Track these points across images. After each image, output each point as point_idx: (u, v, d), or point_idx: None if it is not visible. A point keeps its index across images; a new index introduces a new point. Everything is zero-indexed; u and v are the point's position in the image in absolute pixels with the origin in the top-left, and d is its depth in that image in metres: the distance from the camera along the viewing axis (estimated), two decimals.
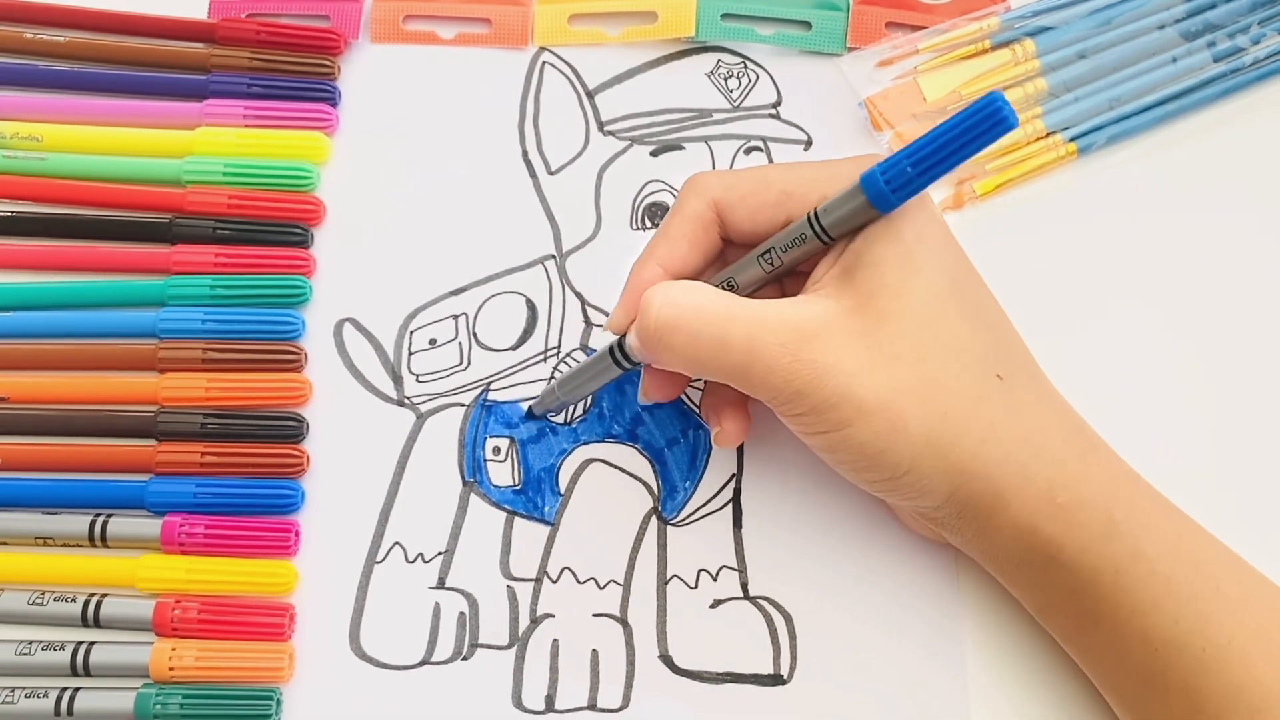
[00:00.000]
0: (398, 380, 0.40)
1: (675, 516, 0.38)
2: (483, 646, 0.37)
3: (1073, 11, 0.44)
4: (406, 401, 0.40)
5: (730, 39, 0.45)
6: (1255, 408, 0.40)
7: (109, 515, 0.38)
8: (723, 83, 0.44)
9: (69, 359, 0.40)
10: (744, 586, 0.38)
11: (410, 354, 0.41)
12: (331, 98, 0.44)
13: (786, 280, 0.36)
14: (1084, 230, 0.42)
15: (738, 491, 0.39)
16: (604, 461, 0.39)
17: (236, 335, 0.40)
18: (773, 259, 0.33)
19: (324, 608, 0.37)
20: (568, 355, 0.41)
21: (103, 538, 0.38)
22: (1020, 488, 0.32)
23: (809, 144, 0.43)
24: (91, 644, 0.36)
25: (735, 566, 0.38)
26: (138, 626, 0.37)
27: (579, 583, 0.38)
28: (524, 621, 0.37)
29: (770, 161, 0.43)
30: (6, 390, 0.39)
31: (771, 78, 0.44)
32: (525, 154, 0.43)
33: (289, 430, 0.39)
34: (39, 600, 0.37)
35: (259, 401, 0.39)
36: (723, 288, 0.34)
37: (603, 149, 0.43)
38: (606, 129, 0.44)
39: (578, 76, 0.44)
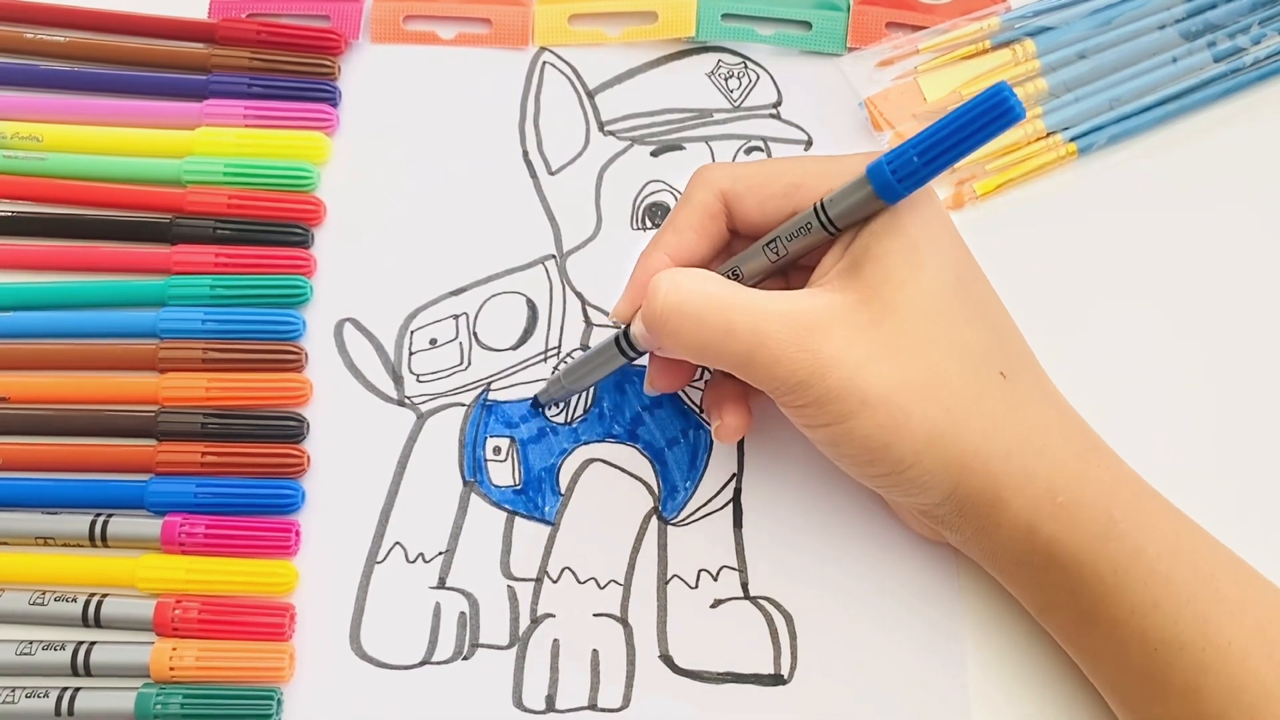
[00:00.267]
0: (398, 380, 0.40)
1: (676, 516, 0.38)
2: (483, 646, 0.37)
3: (1073, 11, 0.44)
4: (407, 401, 0.40)
5: (730, 39, 0.45)
6: (1255, 408, 0.40)
7: (109, 515, 0.38)
8: (723, 83, 0.44)
9: (69, 359, 0.40)
10: (744, 586, 0.38)
11: (411, 354, 0.41)
12: (332, 98, 0.44)
13: (791, 275, 0.36)
14: (1084, 230, 0.42)
15: (738, 491, 0.39)
16: (604, 461, 0.39)
17: (237, 335, 0.40)
18: (778, 248, 0.33)
19: (324, 608, 0.37)
20: (568, 355, 0.41)
21: (103, 538, 0.38)
22: (1021, 486, 0.32)
23: (809, 144, 0.43)
24: (92, 644, 0.36)
25: (735, 566, 0.38)
26: (138, 626, 0.37)
27: (579, 582, 0.38)
28: (524, 621, 0.37)
29: None
30: (7, 390, 0.39)
31: (772, 78, 0.44)
32: (526, 154, 0.43)
33: (289, 430, 0.39)
34: (39, 600, 0.37)
35: (259, 401, 0.39)
36: (728, 276, 0.34)
37: (603, 149, 0.43)
38: (607, 129, 0.44)
39: (578, 76, 0.44)
